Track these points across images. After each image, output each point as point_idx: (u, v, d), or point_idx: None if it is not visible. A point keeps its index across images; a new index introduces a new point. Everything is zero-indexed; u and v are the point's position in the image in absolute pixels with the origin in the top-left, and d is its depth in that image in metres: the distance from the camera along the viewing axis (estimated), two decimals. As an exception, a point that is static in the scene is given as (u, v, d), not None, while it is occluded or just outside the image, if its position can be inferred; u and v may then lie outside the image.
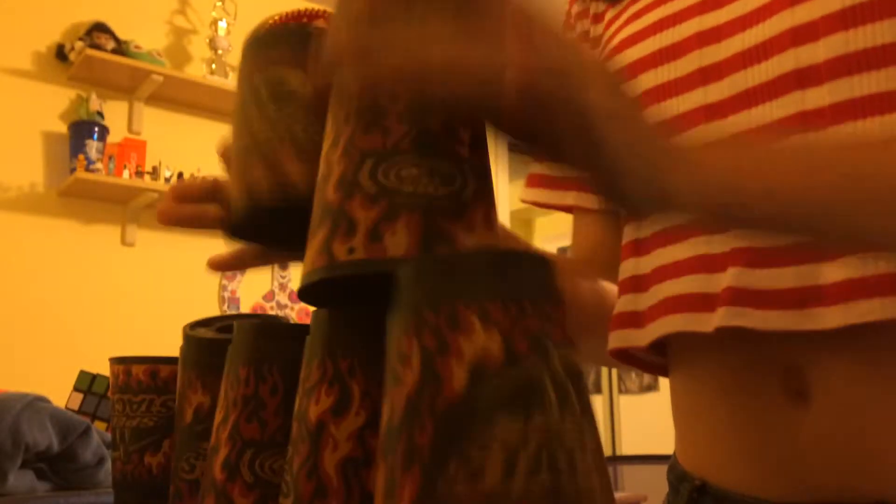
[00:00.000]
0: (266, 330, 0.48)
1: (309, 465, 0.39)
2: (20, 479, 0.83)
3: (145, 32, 2.72)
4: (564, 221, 0.80)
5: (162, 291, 2.64)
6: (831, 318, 0.45)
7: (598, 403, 4.06)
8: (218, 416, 0.46)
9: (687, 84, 0.54)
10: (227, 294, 2.80)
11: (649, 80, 0.56)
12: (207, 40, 2.78)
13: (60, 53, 2.52)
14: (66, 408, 1.00)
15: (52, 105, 2.53)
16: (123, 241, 2.59)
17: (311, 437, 0.40)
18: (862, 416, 0.47)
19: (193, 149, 2.76)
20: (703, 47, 0.54)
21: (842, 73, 0.47)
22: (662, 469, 0.64)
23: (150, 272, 2.62)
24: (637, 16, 0.60)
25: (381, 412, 0.31)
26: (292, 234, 0.45)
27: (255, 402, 0.45)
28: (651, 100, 0.56)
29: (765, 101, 0.50)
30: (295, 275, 2.94)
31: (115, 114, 2.62)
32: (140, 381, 0.60)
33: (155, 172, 2.53)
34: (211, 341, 0.56)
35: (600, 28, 0.67)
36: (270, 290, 2.90)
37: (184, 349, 0.56)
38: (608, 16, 0.66)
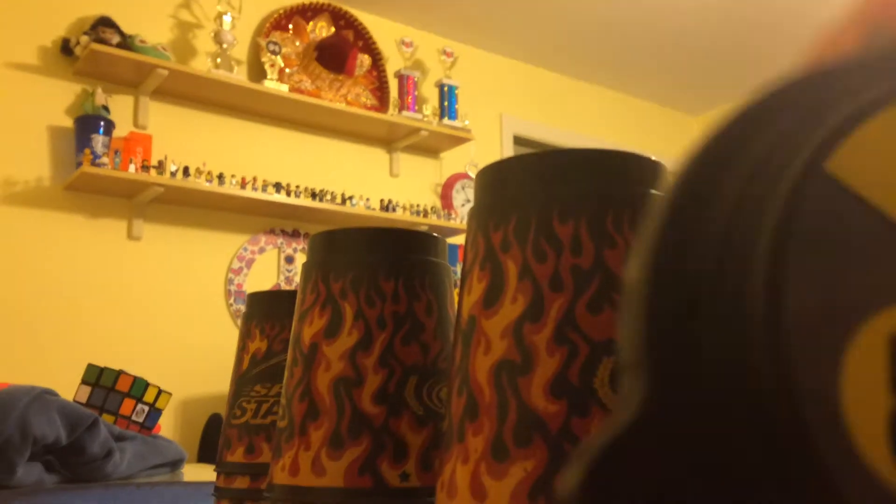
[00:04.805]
0: (415, 238, 0.42)
1: (302, 387, 0.40)
2: (28, 472, 0.84)
3: (150, 26, 2.72)
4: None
5: (168, 285, 2.65)
6: None
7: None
8: (335, 343, 0.40)
9: None
10: (233, 288, 2.80)
11: None
12: (212, 34, 2.78)
13: (66, 48, 2.53)
14: (74, 401, 1.00)
15: (57, 99, 2.54)
16: (130, 236, 2.60)
17: (305, 359, 0.40)
18: None
19: (199, 143, 2.76)
20: None
21: None
22: None
23: (156, 266, 2.63)
24: None
25: None
26: None
27: (412, 321, 0.40)
28: None
29: None
30: (300, 269, 2.94)
31: (120, 108, 2.62)
32: None
33: (161, 167, 2.53)
34: (271, 293, 0.58)
35: None
36: (277, 283, 2.91)
37: (246, 309, 0.59)
38: None
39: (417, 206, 3.10)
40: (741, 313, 0.13)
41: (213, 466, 0.65)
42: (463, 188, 3.39)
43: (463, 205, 3.37)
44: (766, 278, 0.13)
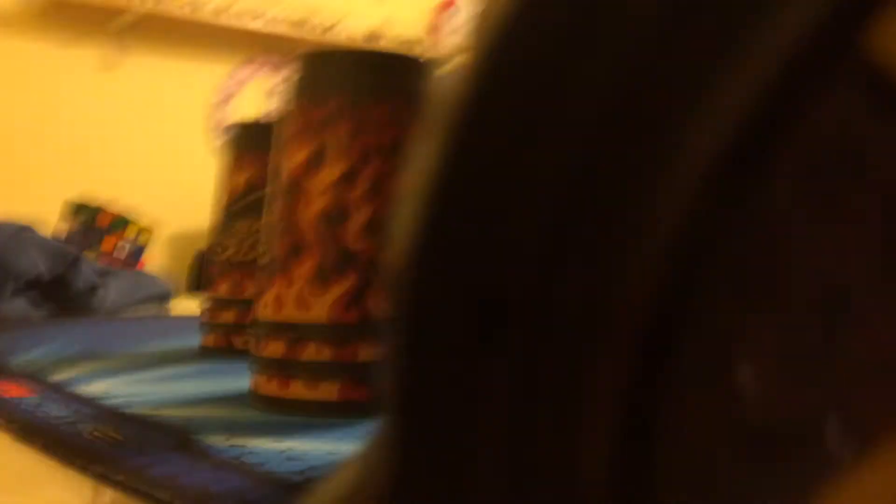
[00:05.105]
0: (405, 62, 0.40)
1: (284, 222, 0.39)
2: (13, 306, 0.84)
3: None
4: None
5: (148, 118, 2.57)
6: None
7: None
8: (318, 176, 0.37)
9: None
10: (216, 120, 2.74)
11: None
12: None
13: None
14: (53, 237, 0.98)
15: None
16: (104, 65, 2.50)
17: (286, 194, 0.39)
18: None
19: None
20: None
21: None
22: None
23: (134, 98, 2.55)
24: None
25: None
26: None
27: (400, 152, 0.38)
28: None
29: None
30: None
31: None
32: None
33: (130, -8, 2.39)
34: (253, 124, 0.57)
35: None
36: (260, 117, 2.84)
37: (227, 141, 0.59)
38: None
39: (405, 35, 2.98)
40: (575, 361, 0.07)
41: (200, 301, 0.65)
42: (452, 16, 3.25)
43: (453, 33, 3.24)
44: (647, 324, 0.06)
